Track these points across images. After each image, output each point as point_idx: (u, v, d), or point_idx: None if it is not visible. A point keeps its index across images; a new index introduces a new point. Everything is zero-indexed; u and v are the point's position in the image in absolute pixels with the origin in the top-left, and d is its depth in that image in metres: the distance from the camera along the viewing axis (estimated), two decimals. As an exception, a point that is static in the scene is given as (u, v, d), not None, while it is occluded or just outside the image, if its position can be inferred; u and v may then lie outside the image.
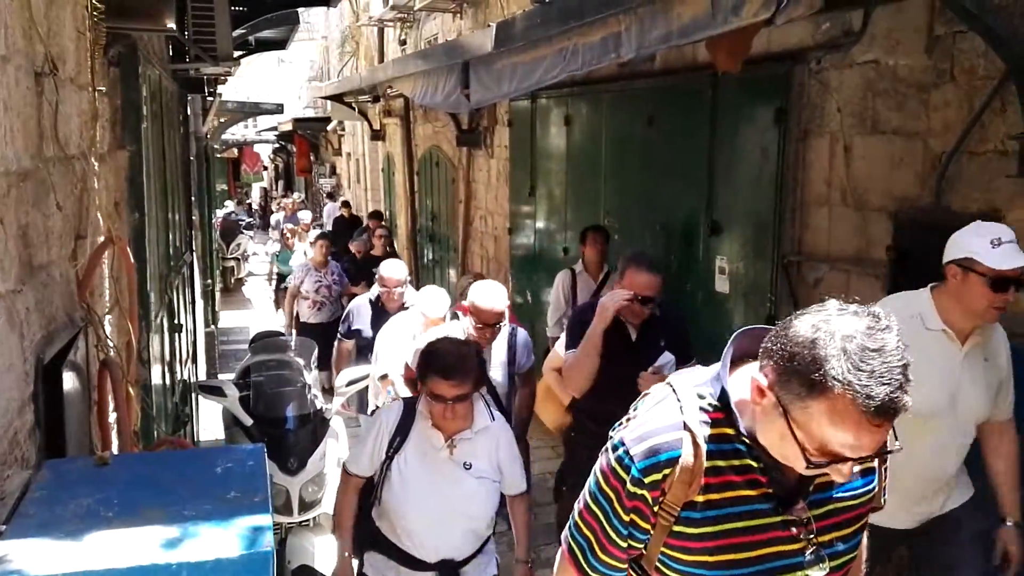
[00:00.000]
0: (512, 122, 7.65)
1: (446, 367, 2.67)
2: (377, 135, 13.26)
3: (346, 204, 14.92)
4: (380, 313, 5.12)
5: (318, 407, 4.17)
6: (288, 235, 12.34)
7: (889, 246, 3.53)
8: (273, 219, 17.11)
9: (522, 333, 4.19)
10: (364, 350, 5.04)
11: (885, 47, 3.46)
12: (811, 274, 3.99)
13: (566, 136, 6.59)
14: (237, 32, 6.43)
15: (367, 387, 4.48)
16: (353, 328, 5.26)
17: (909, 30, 3.31)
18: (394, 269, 5.25)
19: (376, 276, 5.38)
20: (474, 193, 9.09)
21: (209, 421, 6.13)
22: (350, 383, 4.15)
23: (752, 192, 4.35)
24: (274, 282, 12.92)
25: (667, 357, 3.45)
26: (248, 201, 25.27)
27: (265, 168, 30.84)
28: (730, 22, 2.69)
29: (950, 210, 3.21)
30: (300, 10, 7.70)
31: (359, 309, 5.32)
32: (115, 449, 2.33)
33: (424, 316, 4.34)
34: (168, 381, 4.20)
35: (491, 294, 3.68)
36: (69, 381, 2.01)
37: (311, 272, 7.81)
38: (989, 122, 2.98)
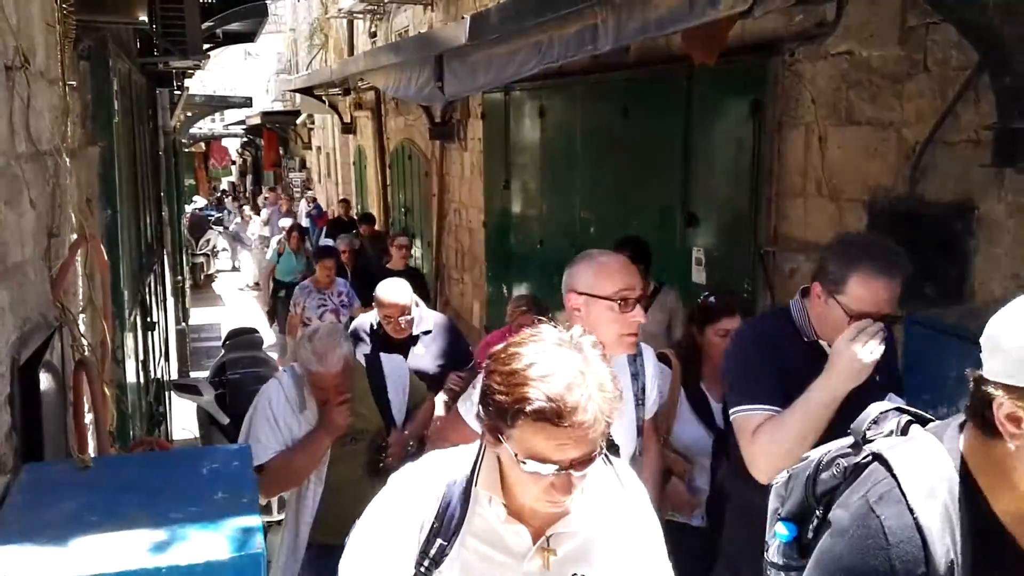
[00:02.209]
0: (485, 115, 7.62)
1: (561, 409, 1.27)
2: (348, 128, 13.15)
3: (344, 202, 12.92)
4: (383, 344, 3.95)
5: None
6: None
7: (863, 235, 3.57)
8: (264, 214, 15.36)
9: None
10: None
11: (859, 38, 3.49)
12: (787, 264, 4.03)
13: (540, 128, 6.58)
14: (205, 25, 6.32)
15: None
16: None
17: (882, 21, 3.34)
18: (394, 290, 3.99)
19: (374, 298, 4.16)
20: (448, 186, 9.05)
21: (183, 420, 6.05)
22: None
23: (728, 183, 4.38)
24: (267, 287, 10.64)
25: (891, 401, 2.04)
26: (218, 195, 24.95)
27: (233, 162, 30.47)
28: (708, 14, 2.69)
29: (924, 200, 3.25)
30: (268, 2, 7.59)
31: (356, 336, 4.09)
32: (92, 451, 2.29)
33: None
34: (143, 380, 4.13)
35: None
36: (45, 382, 1.96)
37: (312, 294, 6.43)
38: (962, 112, 3.02)
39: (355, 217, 11.42)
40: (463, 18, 4.57)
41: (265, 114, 20.09)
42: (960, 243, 3.11)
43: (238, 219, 15.74)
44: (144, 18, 2.73)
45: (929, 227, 3.24)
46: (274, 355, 7.53)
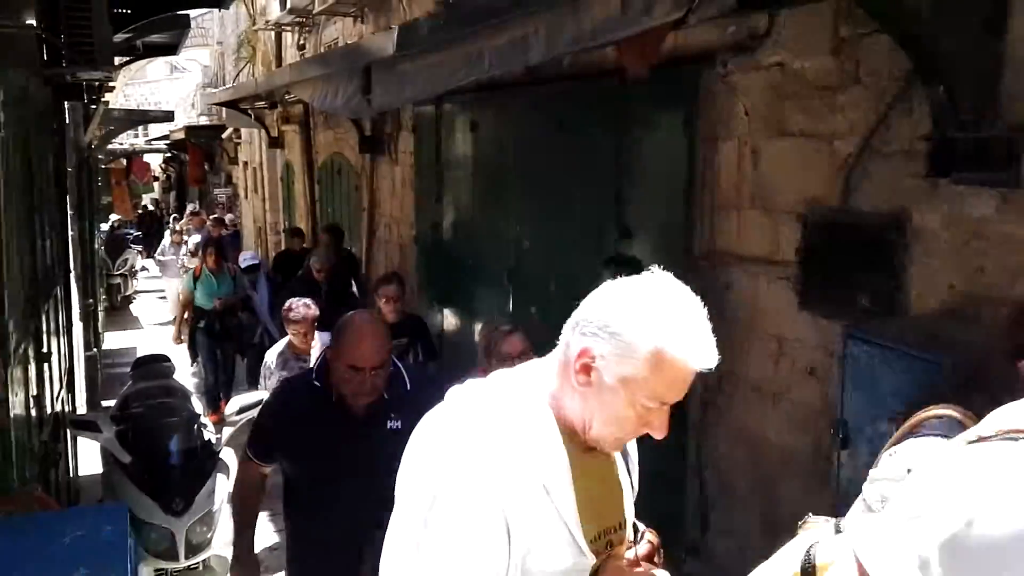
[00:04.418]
0: (417, 128, 7.47)
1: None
2: (275, 143, 12.81)
3: (298, 233, 9.86)
4: (341, 419, 2.63)
5: (206, 439, 3.88)
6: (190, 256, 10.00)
7: (798, 248, 3.54)
8: (191, 242, 12.53)
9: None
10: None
11: (791, 50, 3.47)
12: (723, 277, 3.98)
13: (473, 142, 6.45)
14: (121, 35, 6.01)
15: None
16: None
17: (815, 32, 3.32)
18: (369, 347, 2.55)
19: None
20: (378, 201, 8.85)
21: (89, 455, 5.66)
22: (241, 410, 3.86)
23: (663, 196, 4.32)
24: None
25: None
26: (139, 212, 24.02)
27: (156, 178, 29.50)
28: (642, 22, 2.62)
29: (858, 212, 3.24)
30: (193, 14, 7.30)
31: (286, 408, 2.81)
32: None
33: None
34: (35, 416, 3.80)
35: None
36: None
37: (289, 363, 4.77)
38: (896, 123, 3.00)
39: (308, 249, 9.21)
40: (392, 28, 4.43)
41: (189, 128, 19.51)
42: (895, 254, 3.09)
43: (168, 240, 14.78)
44: (32, 22, 2.49)
45: (864, 239, 3.22)
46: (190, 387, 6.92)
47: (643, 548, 1.55)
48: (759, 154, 3.72)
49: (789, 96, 3.52)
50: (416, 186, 7.63)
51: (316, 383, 2.64)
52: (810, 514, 1.69)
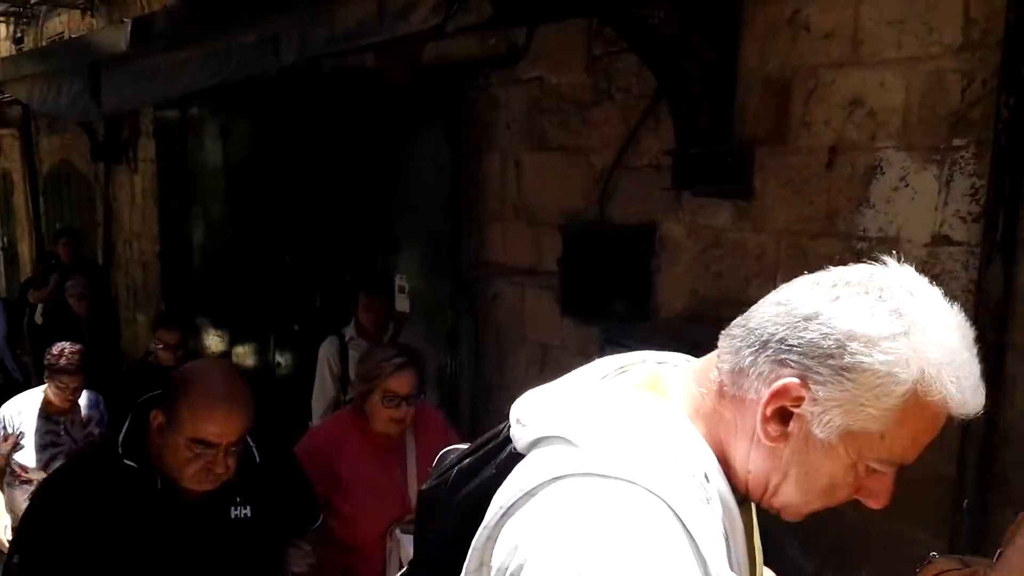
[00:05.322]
0: (159, 133, 6.86)
1: None
2: (-12, 148, 11.25)
3: (65, 238, 7.15)
4: (165, 512, 1.98)
5: None
6: None
7: (559, 258, 3.63)
8: None
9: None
10: None
11: (548, 65, 3.55)
12: (490, 289, 4.00)
13: (224, 148, 6.02)
14: None
15: None
16: None
17: (570, 49, 3.43)
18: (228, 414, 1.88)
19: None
20: (116, 214, 8.03)
21: None
22: None
23: (429, 208, 4.26)
24: None
25: None
26: None
27: None
28: (399, 27, 2.53)
29: (612, 223, 3.38)
30: None
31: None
32: None
33: None
34: None
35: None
36: None
37: (45, 421, 3.73)
38: (644, 138, 3.16)
39: (90, 258, 7.67)
40: (125, 21, 3.99)
41: None
42: (644, 263, 3.26)
43: None
44: None
45: (617, 249, 3.37)
46: None
47: None
48: (521, 167, 3.78)
49: (547, 110, 3.60)
50: (159, 197, 6.99)
51: (128, 462, 1.89)
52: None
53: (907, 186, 2.44)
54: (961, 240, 2.34)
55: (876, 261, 0.90)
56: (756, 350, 0.90)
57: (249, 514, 1.96)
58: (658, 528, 0.82)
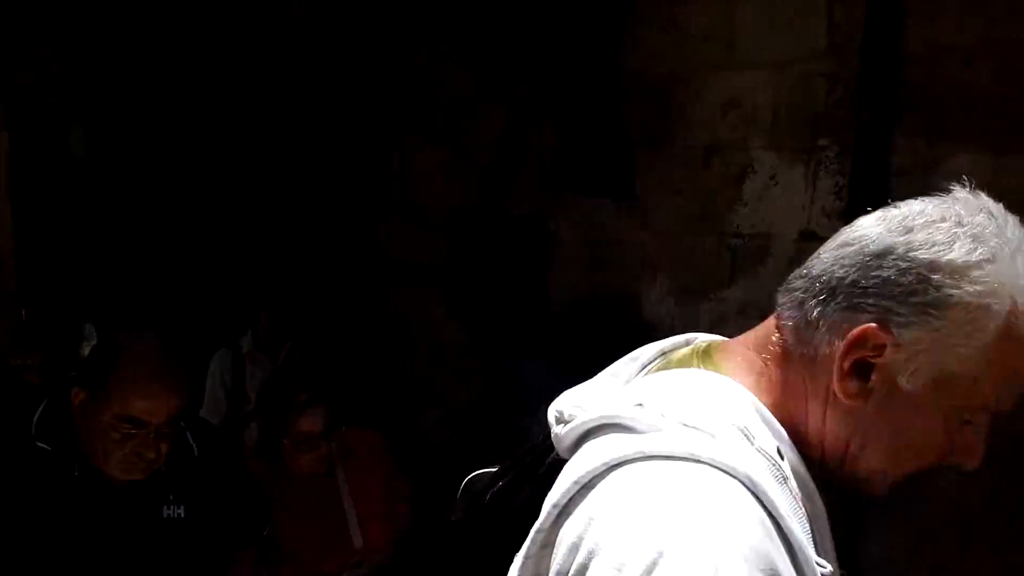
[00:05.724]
0: (11, 125, 6.34)
1: None
2: None
3: None
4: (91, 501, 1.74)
5: None
6: None
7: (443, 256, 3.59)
8: None
9: None
10: None
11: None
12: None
13: (88, 141, 5.63)
14: None
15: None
16: None
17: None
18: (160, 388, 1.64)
19: None
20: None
21: None
22: None
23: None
24: None
25: None
26: None
27: None
28: None
29: (501, 220, 3.38)
30: None
31: None
32: None
33: None
34: None
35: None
36: None
37: None
38: (535, 138, 3.16)
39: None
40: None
41: None
42: (536, 260, 3.28)
43: None
44: None
45: (509, 246, 3.37)
46: None
47: None
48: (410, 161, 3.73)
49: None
50: (14, 193, 6.46)
51: (41, 444, 1.64)
52: None
53: (776, 184, 2.55)
54: (827, 236, 2.45)
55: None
56: (824, 299, 0.79)
57: (183, 514, 1.73)
58: (737, 508, 0.71)
